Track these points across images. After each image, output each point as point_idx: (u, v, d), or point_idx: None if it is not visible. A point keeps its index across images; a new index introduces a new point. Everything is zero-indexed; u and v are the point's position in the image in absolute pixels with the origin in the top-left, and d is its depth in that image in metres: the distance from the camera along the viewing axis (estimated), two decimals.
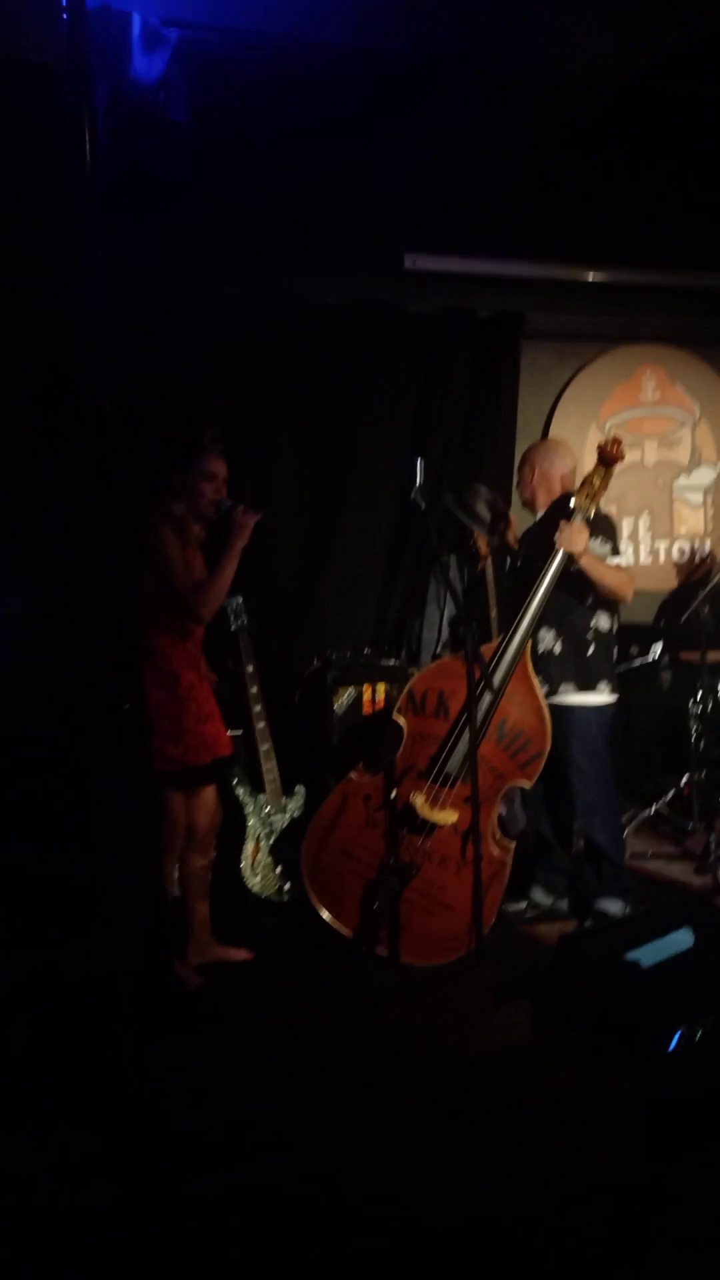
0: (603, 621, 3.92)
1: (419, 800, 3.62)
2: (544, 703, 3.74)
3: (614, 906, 3.91)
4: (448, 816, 3.58)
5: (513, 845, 3.78)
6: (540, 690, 3.75)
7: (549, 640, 3.91)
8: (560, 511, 3.83)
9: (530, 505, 4.11)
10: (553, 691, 3.87)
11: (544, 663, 3.88)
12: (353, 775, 3.82)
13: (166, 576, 3.46)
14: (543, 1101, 1.76)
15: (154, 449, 3.63)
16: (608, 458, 3.74)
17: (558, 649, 3.90)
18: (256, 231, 4.68)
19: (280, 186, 4.56)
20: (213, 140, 4.34)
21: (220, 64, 4.21)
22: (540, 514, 4.07)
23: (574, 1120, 1.73)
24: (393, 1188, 1.59)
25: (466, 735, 3.59)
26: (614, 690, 3.95)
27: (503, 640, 3.73)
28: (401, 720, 3.79)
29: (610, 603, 3.91)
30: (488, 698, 3.65)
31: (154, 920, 2.92)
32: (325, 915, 3.76)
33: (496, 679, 3.67)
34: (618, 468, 3.75)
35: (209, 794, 3.73)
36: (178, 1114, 1.85)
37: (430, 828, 3.62)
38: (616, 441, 3.74)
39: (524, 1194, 1.61)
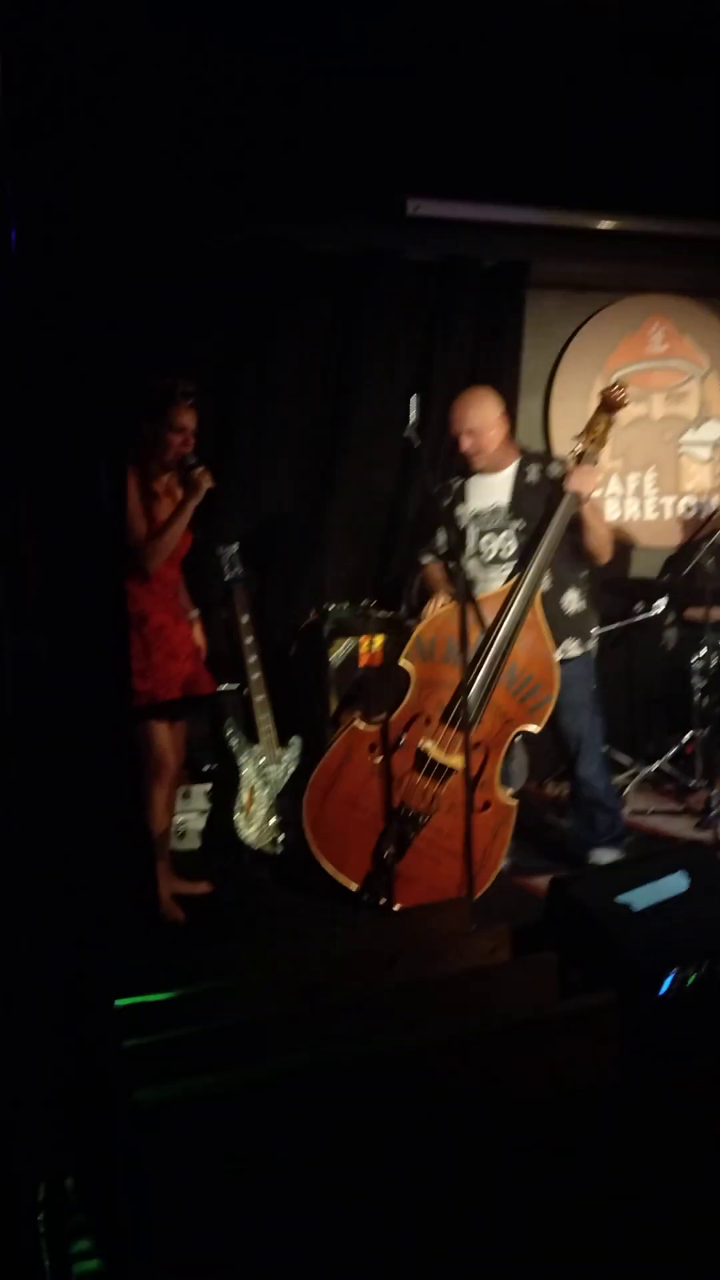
0: (582, 572, 3.92)
1: (432, 745, 3.58)
2: (552, 647, 3.68)
3: (608, 856, 3.87)
4: (456, 762, 3.52)
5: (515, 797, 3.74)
6: (549, 636, 3.68)
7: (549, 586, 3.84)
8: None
9: (469, 459, 3.90)
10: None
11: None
12: (357, 725, 3.77)
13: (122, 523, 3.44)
14: (515, 1016, 1.73)
15: (128, 399, 3.58)
16: (611, 404, 3.69)
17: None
18: (254, 178, 4.59)
19: (278, 130, 4.46)
20: (208, 84, 4.25)
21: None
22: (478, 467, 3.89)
23: (547, 1033, 1.69)
24: (348, 1094, 1.56)
25: (480, 677, 3.55)
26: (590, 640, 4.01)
27: (514, 584, 3.67)
28: (409, 666, 3.73)
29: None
30: (498, 642, 3.60)
31: (139, 851, 2.90)
32: (329, 867, 3.71)
33: (508, 624, 3.61)
34: (623, 415, 3.68)
35: (178, 731, 3.72)
36: (129, 1033, 1.82)
37: (446, 773, 3.57)
38: (621, 387, 3.68)
39: (492, 1105, 1.58)
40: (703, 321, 5.72)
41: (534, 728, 3.70)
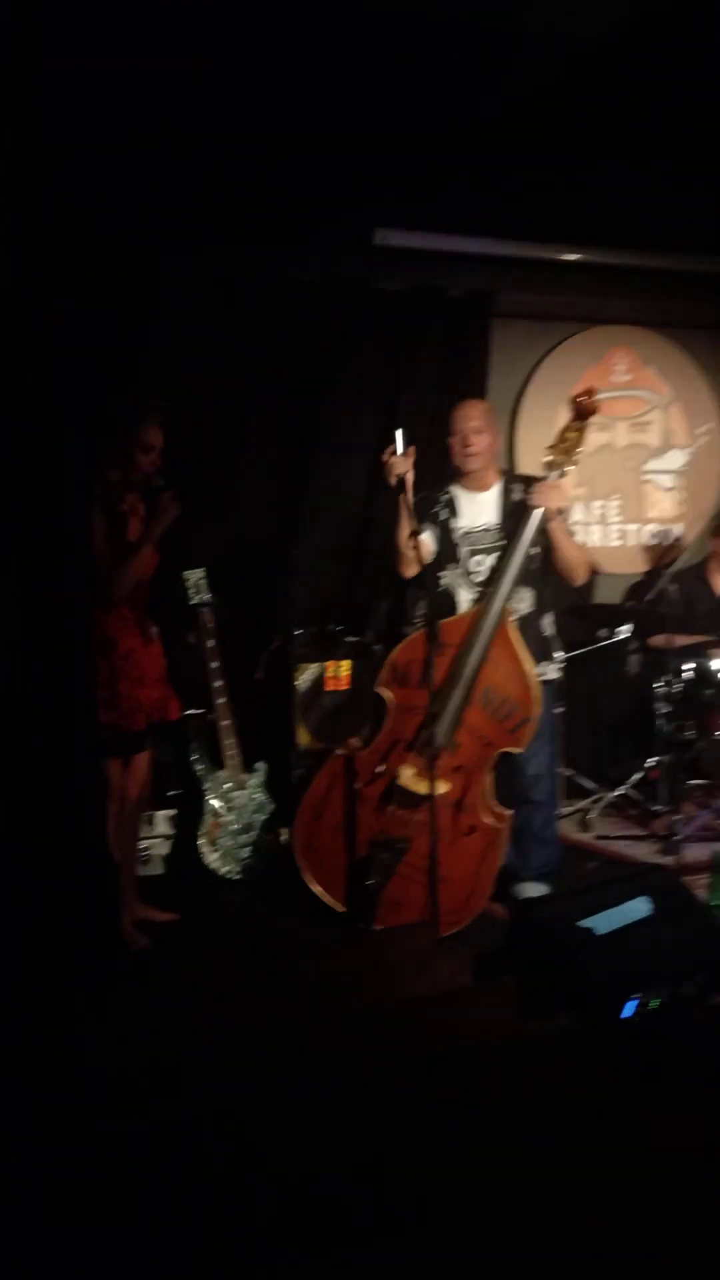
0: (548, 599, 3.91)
1: (408, 773, 3.57)
2: (529, 667, 3.64)
3: (536, 890, 3.80)
4: (437, 787, 3.50)
5: (510, 814, 3.70)
6: (524, 654, 3.65)
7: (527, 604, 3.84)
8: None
9: (466, 459, 3.85)
10: None
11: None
12: (340, 752, 3.77)
13: None
14: (477, 1041, 1.73)
15: (95, 414, 3.57)
16: (582, 410, 3.68)
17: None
18: (223, 204, 4.63)
19: (248, 158, 4.50)
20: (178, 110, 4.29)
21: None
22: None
23: (508, 1058, 1.69)
24: (307, 1126, 1.55)
25: (450, 704, 3.55)
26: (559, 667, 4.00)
27: (482, 605, 3.67)
28: (387, 693, 3.73)
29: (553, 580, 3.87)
30: (470, 665, 3.60)
31: (100, 882, 2.87)
32: (319, 891, 3.71)
33: (478, 645, 3.61)
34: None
35: (141, 762, 3.69)
36: (104, 1055, 1.80)
37: (420, 799, 3.56)
38: (590, 392, 3.68)
39: (453, 1130, 1.57)
40: (664, 352, 5.81)
41: (516, 749, 3.66)
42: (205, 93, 4.25)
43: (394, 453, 3.57)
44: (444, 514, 3.85)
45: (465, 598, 3.82)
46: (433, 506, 3.83)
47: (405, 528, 3.64)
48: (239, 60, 4.19)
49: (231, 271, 4.81)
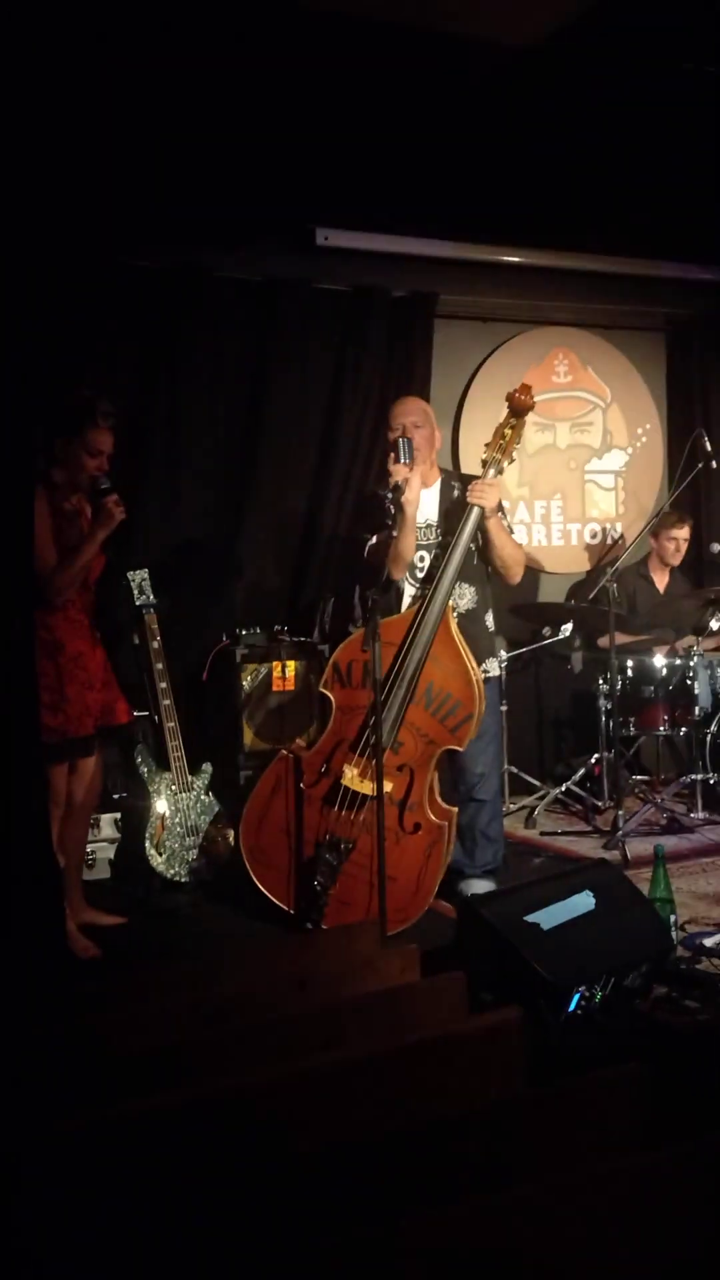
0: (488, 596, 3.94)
1: (350, 773, 3.57)
2: (471, 664, 3.64)
3: (482, 886, 3.80)
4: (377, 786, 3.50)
5: (454, 812, 3.72)
6: (466, 651, 3.65)
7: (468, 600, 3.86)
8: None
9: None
10: None
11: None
12: (285, 752, 3.76)
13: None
14: (424, 1034, 1.74)
15: (44, 414, 3.53)
16: (519, 407, 3.70)
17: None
18: (166, 204, 4.60)
19: (191, 158, 4.48)
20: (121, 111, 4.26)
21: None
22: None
23: (455, 1051, 1.71)
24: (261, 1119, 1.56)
25: (392, 703, 3.56)
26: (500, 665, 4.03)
27: (423, 603, 3.68)
28: (330, 694, 3.73)
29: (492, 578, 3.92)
30: (413, 662, 3.61)
31: (45, 888, 2.84)
32: (267, 892, 3.70)
33: (420, 642, 3.62)
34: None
35: (88, 766, 3.66)
36: (51, 1059, 1.79)
37: (363, 800, 3.56)
38: (526, 388, 3.70)
39: (401, 1118, 1.59)
40: (604, 354, 5.89)
41: (457, 747, 3.68)
42: (147, 93, 4.23)
43: (396, 460, 3.59)
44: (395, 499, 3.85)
45: (409, 594, 3.84)
46: (383, 499, 3.80)
47: (406, 533, 3.68)
48: (180, 60, 4.18)
49: (173, 270, 4.79)
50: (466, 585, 3.83)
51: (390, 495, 3.55)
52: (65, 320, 4.41)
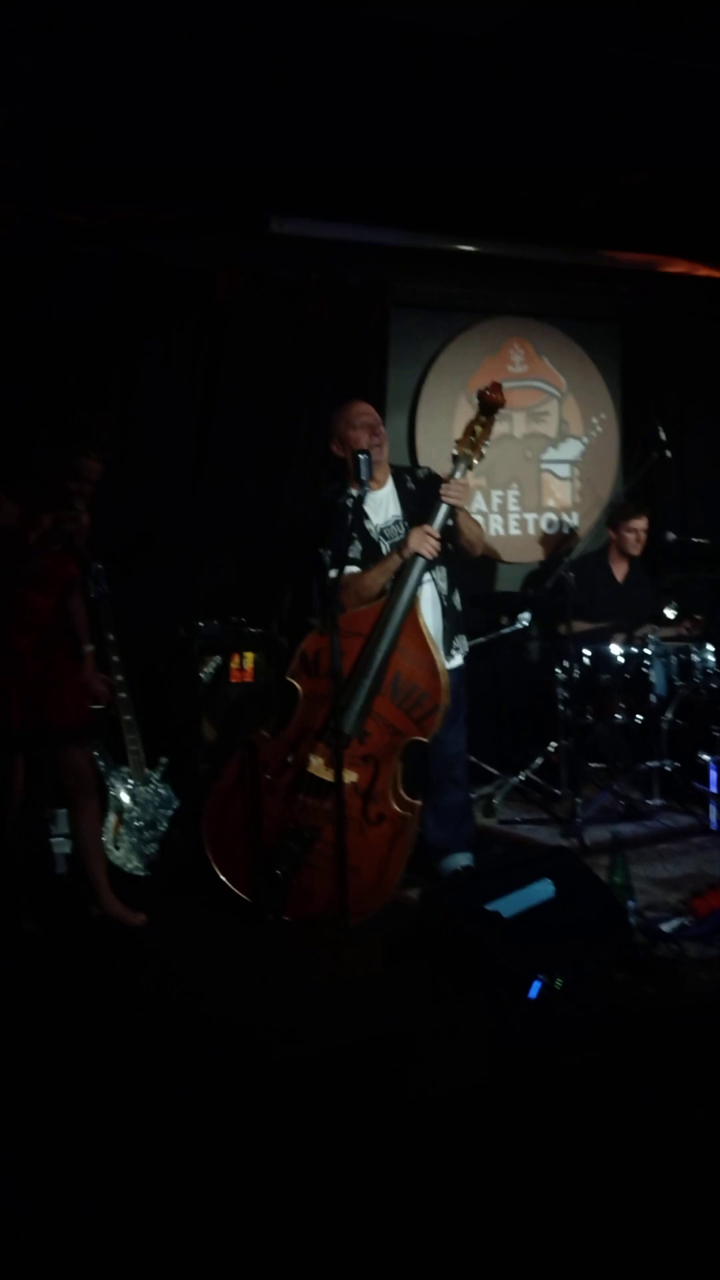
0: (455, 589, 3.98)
1: (316, 761, 3.56)
2: (438, 656, 3.68)
3: (465, 860, 3.94)
4: (346, 776, 3.49)
5: (418, 804, 3.72)
6: (433, 643, 3.69)
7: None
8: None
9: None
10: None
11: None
12: (250, 741, 3.74)
13: None
14: (388, 1024, 1.73)
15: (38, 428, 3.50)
16: (489, 404, 3.73)
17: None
18: (116, 189, 4.54)
19: (143, 144, 4.42)
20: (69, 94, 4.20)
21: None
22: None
23: (418, 1039, 1.70)
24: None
25: (358, 693, 3.55)
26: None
27: (390, 594, 3.69)
28: (296, 683, 3.72)
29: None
30: (379, 653, 3.61)
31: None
32: (229, 883, 3.68)
33: (387, 634, 3.62)
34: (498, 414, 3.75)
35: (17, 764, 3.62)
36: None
37: (328, 788, 3.53)
38: (497, 386, 3.73)
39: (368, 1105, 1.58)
40: (559, 344, 5.90)
41: (422, 738, 3.69)
42: (101, 85, 4.17)
43: (356, 476, 3.57)
44: (361, 517, 3.84)
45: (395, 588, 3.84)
46: (345, 516, 3.77)
47: (378, 575, 3.71)
48: (129, 43, 4.12)
49: (124, 257, 4.72)
50: (441, 568, 3.87)
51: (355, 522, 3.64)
52: (10, 309, 4.35)
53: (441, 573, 3.87)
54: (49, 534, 3.47)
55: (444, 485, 3.73)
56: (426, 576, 3.79)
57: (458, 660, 3.92)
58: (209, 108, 4.38)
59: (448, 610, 3.89)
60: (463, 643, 3.98)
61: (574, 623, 4.82)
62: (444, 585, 3.87)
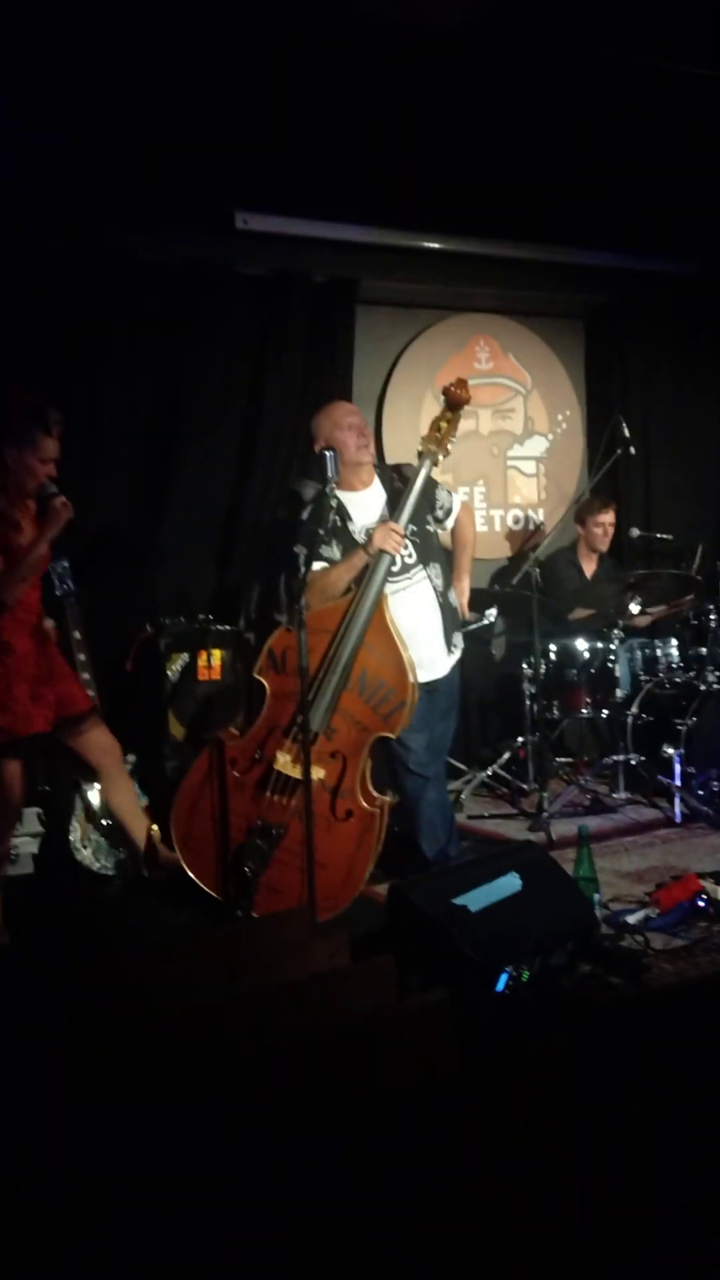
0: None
1: (284, 758, 3.56)
2: (405, 653, 3.66)
3: (453, 849, 3.94)
4: (314, 773, 3.49)
5: (387, 800, 3.72)
6: (401, 640, 3.67)
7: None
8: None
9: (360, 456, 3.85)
10: None
11: None
12: (218, 739, 3.73)
13: None
14: (357, 1018, 1.75)
15: None
16: (454, 400, 3.73)
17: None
18: (82, 184, 4.51)
19: (109, 139, 4.40)
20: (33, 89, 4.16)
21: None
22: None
23: (385, 1034, 1.72)
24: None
25: (326, 689, 3.56)
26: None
27: (356, 593, 3.68)
28: (264, 680, 3.71)
29: None
30: (346, 650, 3.61)
31: None
32: (197, 880, 3.68)
33: (354, 630, 3.62)
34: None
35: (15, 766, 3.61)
36: None
37: (296, 785, 3.54)
38: (462, 383, 3.74)
39: (338, 1102, 1.59)
40: (524, 340, 5.94)
41: (389, 734, 3.69)
42: (67, 77, 4.14)
43: (326, 473, 3.57)
44: (339, 520, 3.82)
45: (389, 589, 3.81)
46: (324, 522, 3.76)
47: (344, 570, 3.69)
48: (99, 37, 4.09)
49: (88, 253, 4.70)
50: (435, 564, 3.87)
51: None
52: None
53: (437, 570, 3.86)
54: (43, 527, 3.45)
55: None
56: (422, 574, 3.80)
57: (456, 655, 3.94)
58: (175, 102, 4.37)
59: (444, 607, 3.88)
60: (460, 638, 3.98)
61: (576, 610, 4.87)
62: (439, 582, 3.86)
